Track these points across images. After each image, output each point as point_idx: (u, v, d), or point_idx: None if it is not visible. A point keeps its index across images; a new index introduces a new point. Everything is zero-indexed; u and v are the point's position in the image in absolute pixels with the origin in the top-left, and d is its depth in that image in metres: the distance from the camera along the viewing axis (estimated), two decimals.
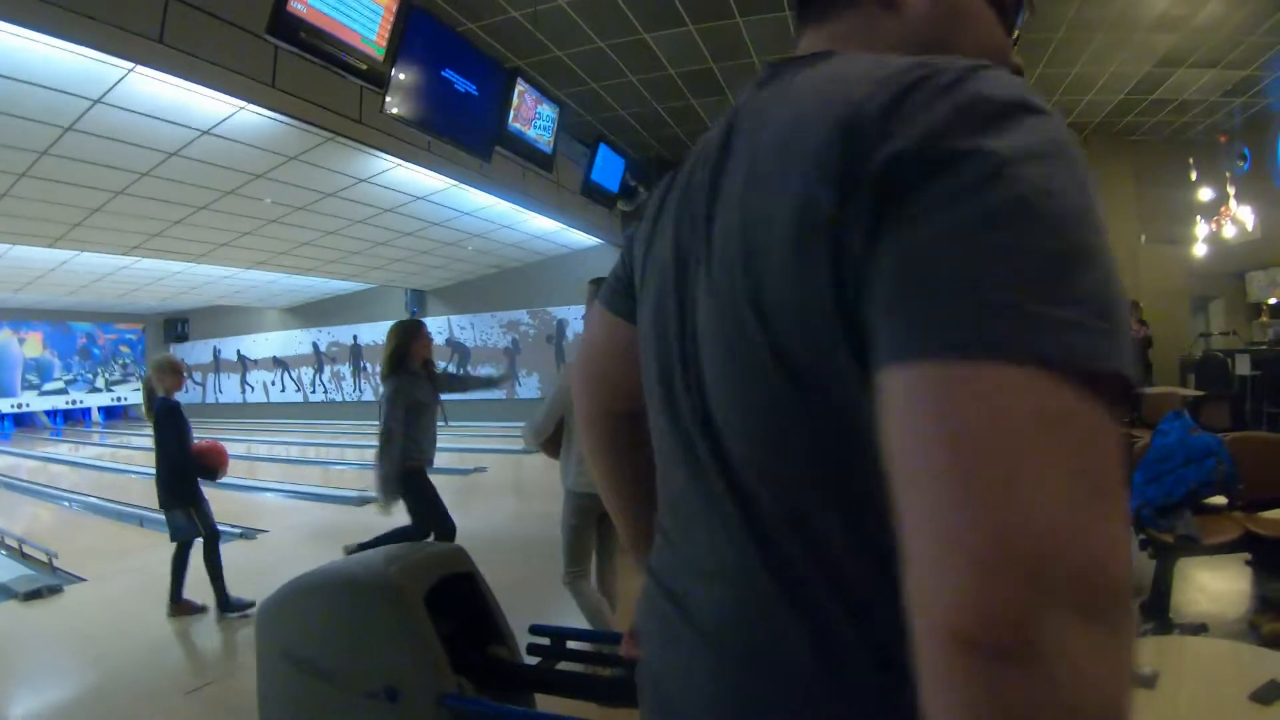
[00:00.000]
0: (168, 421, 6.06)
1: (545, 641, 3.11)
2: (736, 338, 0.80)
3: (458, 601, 3.06)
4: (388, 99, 7.15)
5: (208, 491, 6.22)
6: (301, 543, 6.05)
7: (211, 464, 6.33)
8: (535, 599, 5.74)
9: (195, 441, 6.25)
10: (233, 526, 8.40)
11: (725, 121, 0.97)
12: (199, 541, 6.11)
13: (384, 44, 6.86)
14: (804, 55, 0.97)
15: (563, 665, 3.10)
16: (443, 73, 7.81)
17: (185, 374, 6.48)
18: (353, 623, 2.84)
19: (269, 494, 11.11)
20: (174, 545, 6.09)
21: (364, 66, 6.70)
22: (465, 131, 8.36)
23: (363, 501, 10.10)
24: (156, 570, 7.36)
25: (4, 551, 8.07)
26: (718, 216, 0.87)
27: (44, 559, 7.63)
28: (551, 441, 4.41)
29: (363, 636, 2.81)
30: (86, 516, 10.62)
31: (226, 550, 7.89)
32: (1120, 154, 15.14)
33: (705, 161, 0.95)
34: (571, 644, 3.13)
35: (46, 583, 6.79)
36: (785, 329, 0.74)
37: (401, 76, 7.23)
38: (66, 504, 11.50)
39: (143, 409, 6.18)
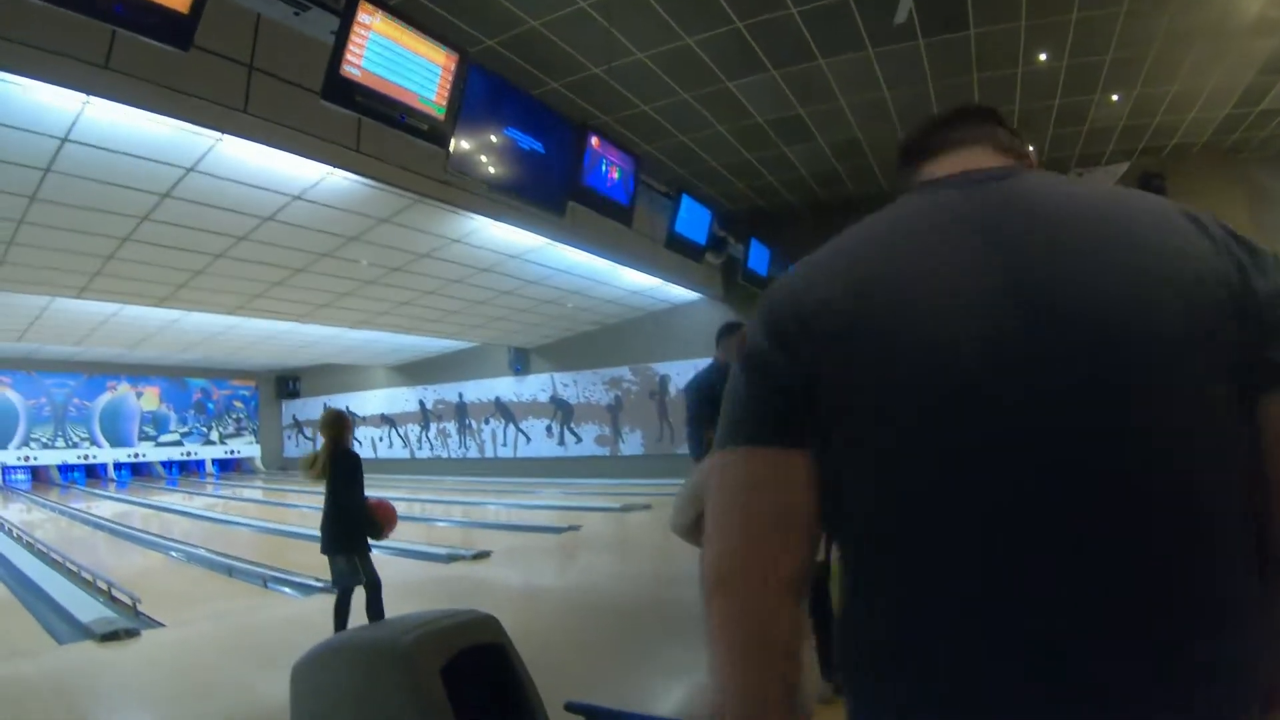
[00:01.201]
0: (352, 469, 6.17)
1: None
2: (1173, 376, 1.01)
3: (486, 673, 2.96)
4: (450, 158, 7.17)
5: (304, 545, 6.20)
6: (385, 599, 6.06)
7: (382, 519, 6.33)
8: (592, 669, 5.64)
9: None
10: (317, 580, 8.47)
11: (962, 216, 1.16)
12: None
13: (444, 103, 6.84)
14: (1000, 168, 1.25)
15: None
16: (506, 130, 7.81)
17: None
18: (370, 691, 2.77)
19: None
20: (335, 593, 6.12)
21: (425, 127, 6.70)
22: (535, 188, 8.32)
23: (451, 559, 10.13)
24: (234, 619, 7.52)
25: (98, 596, 8.23)
26: (1073, 290, 1.05)
27: (129, 602, 7.78)
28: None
29: (379, 706, 2.74)
30: (179, 564, 10.86)
31: (307, 604, 8.02)
32: (1230, 174, 14.38)
33: (971, 244, 1.12)
34: None
35: (124, 625, 6.86)
36: (1199, 368, 1.01)
37: (464, 135, 7.24)
38: (165, 551, 11.76)
39: (306, 462, 6.23)
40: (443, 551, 10.42)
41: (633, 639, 6.45)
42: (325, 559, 6.12)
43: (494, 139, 7.71)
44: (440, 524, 14.50)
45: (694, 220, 12.50)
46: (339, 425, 6.27)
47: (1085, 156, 14.76)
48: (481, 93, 7.42)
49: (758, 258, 15.32)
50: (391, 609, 5.69)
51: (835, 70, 10.57)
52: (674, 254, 12.58)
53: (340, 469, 6.10)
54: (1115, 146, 14.32)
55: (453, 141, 7.10)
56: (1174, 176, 14.19)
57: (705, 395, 5.73)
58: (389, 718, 2.71)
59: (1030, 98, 11.94)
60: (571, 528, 12.90)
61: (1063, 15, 9.55)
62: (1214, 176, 14.09)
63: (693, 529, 3.56)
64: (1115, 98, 12.21)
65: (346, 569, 6.00)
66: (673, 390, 19.50)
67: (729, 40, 9.51)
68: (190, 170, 8.52)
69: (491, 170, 7.75)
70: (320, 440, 6.23)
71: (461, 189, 9.20)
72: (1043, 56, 10.65)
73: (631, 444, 20.71)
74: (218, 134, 7.56)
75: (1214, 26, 10.09)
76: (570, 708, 3.02)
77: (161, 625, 7.17)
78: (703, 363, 6.11)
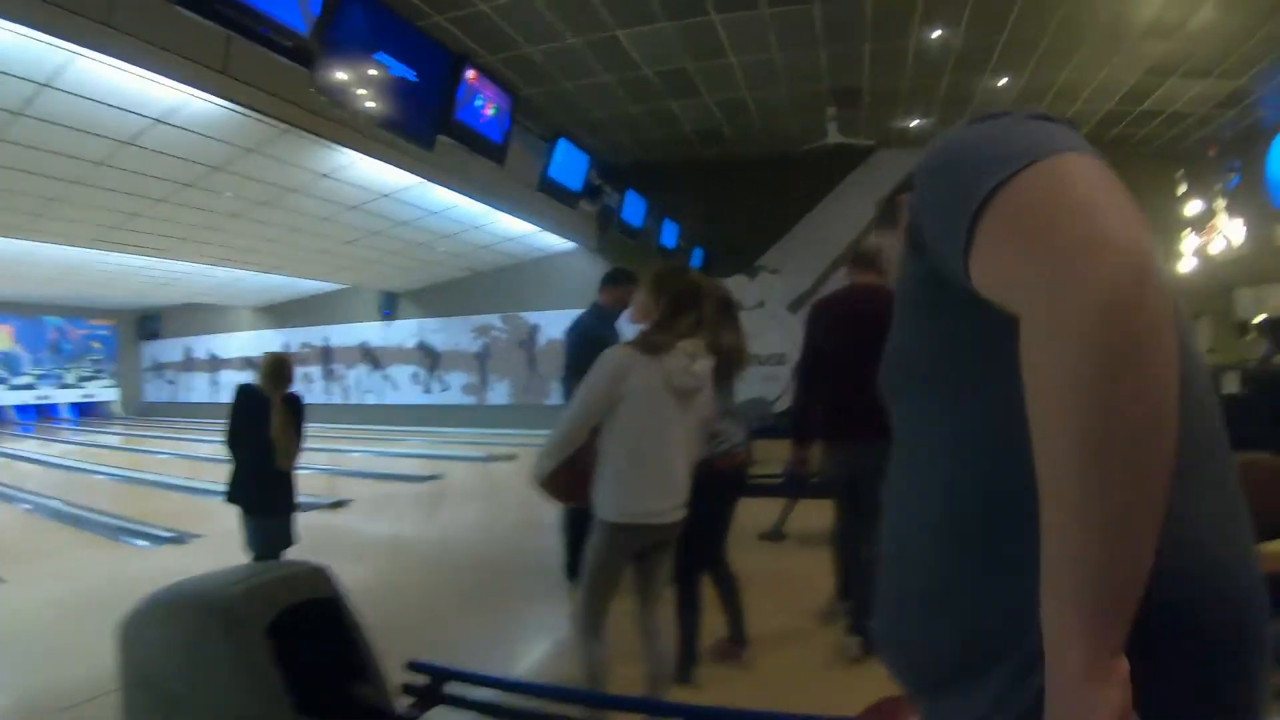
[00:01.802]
0: (302, 418, 5.67)
1: (424, 681, 2.81)
2: None
3: (318, 628, 2.74)
4: (316, 80, 6.76)
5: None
6: (231, 550, 5.71)
7: None
8: (447, 625, 5.48)
9: None
10: (167, 530, 8.08)
11: None
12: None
13: (310, 20, 6.44)
14: None
15: (438, 712, 2.78)
16: (377, 55, 7.39)
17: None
18: (196, 647, 2.54)
19: (218, 497, 10.67)
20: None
21: (289, 43, 6.28)
22: (403, 118, 7.89)
23: (308, 507, 9.72)
24: (80, 574, 7.09)
25: None
26: None
27: None
28: (570, 470, 3.34)
29: (205, 664, 2.51)
30: (28, 516, 10.22)
31: (153, 555, 7.66)
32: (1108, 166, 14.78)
33: None
34: (452, 688, 2.83)
35: None
36: None
37: (331, 56, 6.81)
38: (14, 503, 10.97)
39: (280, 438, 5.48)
40: (300, 499, 10.00)
41: (490, 594, 6.31)
42: (214, 515, 5.65)
43: (363, 63, 7.29)
44: (300, 471, 14.06)
45: (570, 166, 12.30)
46: (288, 372, 5.72)
47: None
48: (352, 12, 7.01)
49: (633, 209, 15.22)
50: (240, 559, 5.39)
51: (728, 27, 10.50)
52: (549, 202, 12.42)
53: (293, 419, 5.57)
54: None
55: (318, 62, 6.69)
56: None
57: (589, 341, 5.54)
58: (212, 675, 2.49)
59: (920, 72, 12.07)
60: (434, 476, 12.76)
61: None
62: None
63: (553, 479, 3.38)
64: (1004, 81, 12.42)
65: (282, 532, 5.57)
66: (542, 340, 19.38)
67: None
68: (44, 86, 7.93)
69: (358, 95, 7.34)
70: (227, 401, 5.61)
71: (331, 120, 8.77)
72: (938, 32, 10.73)
73: (499, 393, 20.51)
74: (75, 48, 7.02)
75: (1109, 23, 10.39)
76: (413, 667, 2.84)
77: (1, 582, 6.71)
78: (576, 313, 5.97)
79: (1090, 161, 0.91)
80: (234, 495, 5.50)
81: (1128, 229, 0.81)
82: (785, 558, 6.93)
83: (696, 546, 3.91)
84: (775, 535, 7.52)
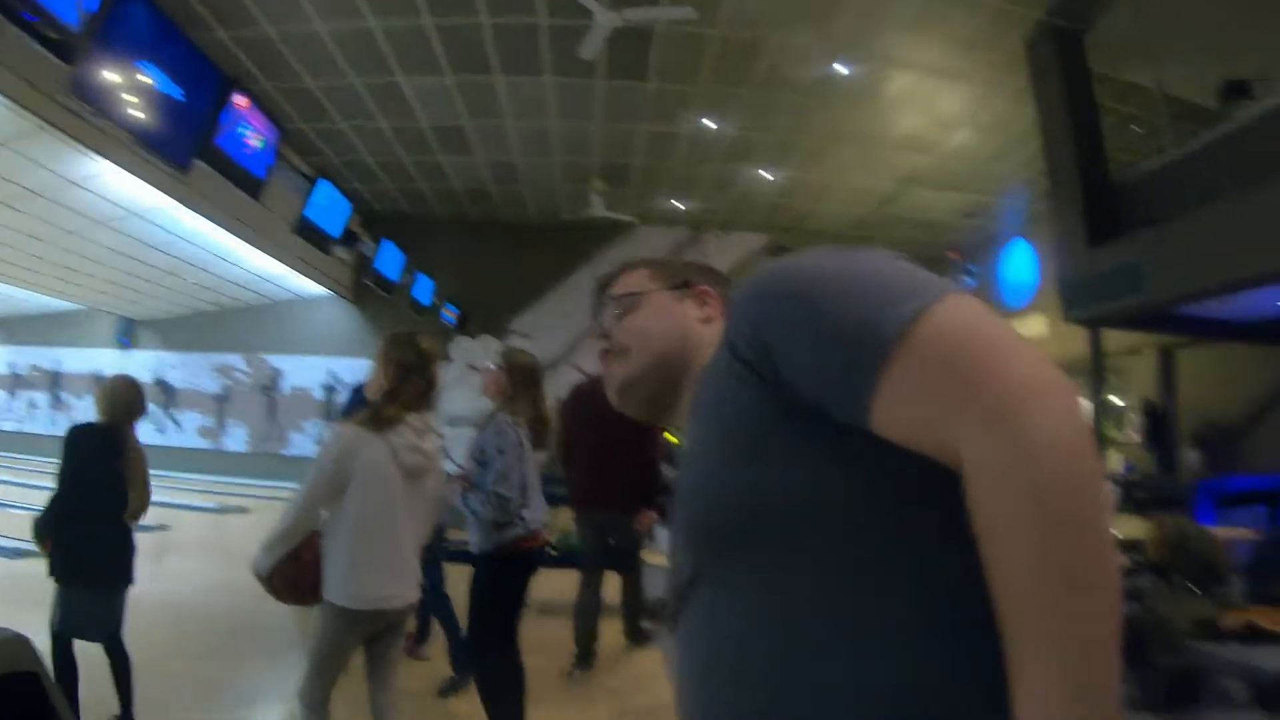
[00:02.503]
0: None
1: None
2: None
3: (14, 706, 2.40)
4: (74, 79, 6.22)
5: None
6: None
7: None
8: (163, 697, 4.95)
9: None
10: None
11: None
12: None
13: (84, 17, 5.95)
14: None
15: None
16: (144, 64, 6.93)
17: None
18: None
19: None
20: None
21: (54, 34, 5.75)
22: (161, 136, 7.43)
23: (19, 554, 8.66)
24: None
25: None
26: None
27: None
28: (295, 564, 3.14)
29: None
30: None
31: None
32: None
33: None
34: None
35: None
36: None
37: (97, 58, 6.31)
38: None
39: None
40: (10, 545, 8.95)
41: (218, 661, 5.82)
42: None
43: (129, 71, 6.80)
44: (16, 511, 12.70)
45: (330, 209, 12.11)
46: (143, 400, 4.62)
47: (727, 222, 15.63)
48: (130, 15, 6.54)
49: (388, 260, 15.14)
50: None
51: (510, 90, 10.61)
52: (307, 243, 12.14)
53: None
54: (757, 218, 15.28)
55: (82, 61, 6.17)
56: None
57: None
58: None
59: (690, 157, 12.55)
60: (161, 527, 11.67)
61: (736, 88, 10.21)
62: None
63: (276, 575, 3.12)
64: (767, 173, 13.06)
65: (119, 607, 4.46)
66: (286, 387, 18.61)
67: (413, 35, 9.28)
68: None
69: (118, 103, 6.81)
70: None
71: (92, 125, 8.09)
72: (712, 124, 11.21)
73: (236, 439, 19.41)
74: None
75: (867, 134, 11.24)
76: None
77: None
78: (324, 361, 5.73)
79: (982, 301, 0.91)
80: (77, 568, 4.31)
81: (1054, 368, 0.83)
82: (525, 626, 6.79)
83: (497, 628, 3.96)
84: None
